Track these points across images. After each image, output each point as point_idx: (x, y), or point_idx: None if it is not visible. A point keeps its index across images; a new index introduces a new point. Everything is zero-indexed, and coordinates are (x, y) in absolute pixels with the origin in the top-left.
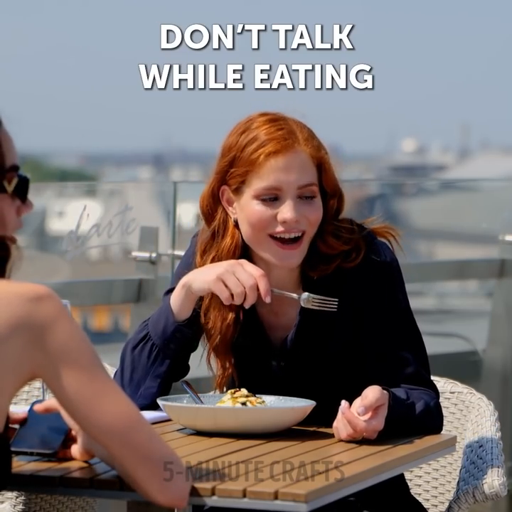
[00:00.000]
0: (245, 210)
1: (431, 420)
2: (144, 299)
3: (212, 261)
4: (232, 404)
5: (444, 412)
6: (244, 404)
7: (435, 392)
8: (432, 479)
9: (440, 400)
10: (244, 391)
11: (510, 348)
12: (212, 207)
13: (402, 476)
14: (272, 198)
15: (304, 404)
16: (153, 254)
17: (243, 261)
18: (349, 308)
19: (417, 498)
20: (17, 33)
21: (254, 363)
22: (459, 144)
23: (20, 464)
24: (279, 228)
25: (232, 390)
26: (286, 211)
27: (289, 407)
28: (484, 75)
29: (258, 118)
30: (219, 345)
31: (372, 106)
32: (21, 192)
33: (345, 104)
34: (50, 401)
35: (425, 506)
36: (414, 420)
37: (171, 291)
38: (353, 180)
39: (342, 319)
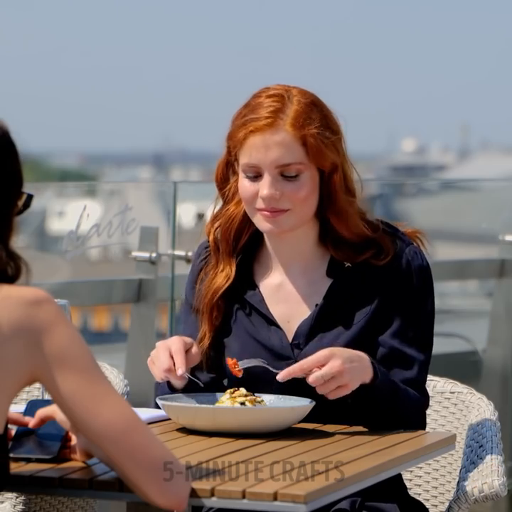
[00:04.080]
0: (239, 182)
1: (412, 409)
2: (144, 299)
3: (217, 229)
4: (231, 404)
5: (444, 412)
6: (243, 403)
7: (425, 399)
8: (431, 479)
9: (440, 400)
10: (243, 390)
11: (510, 348)
12: (224, 174)
13: (399, 474)
14: (254, 174)
15: (303, 404)
16: (153, 254)
17: (159, 345)
18: (372, 304)
19: (417, 498)
20: (17, 33)
21: (259, 343)
22: (459, 144)
23: (20, 465)
24: (261, 204)
25: (231, 390)
26: (263, 188)
27: (289, 406)
28: (484, 75)
29: (262, 92)
30: (207, 301)
31: (372, 106)
32: (25, 207)
33: (346, 104)
34: (44, 411)
35: (425, 506)
36: (397, 399)
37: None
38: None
39: (367, 309)
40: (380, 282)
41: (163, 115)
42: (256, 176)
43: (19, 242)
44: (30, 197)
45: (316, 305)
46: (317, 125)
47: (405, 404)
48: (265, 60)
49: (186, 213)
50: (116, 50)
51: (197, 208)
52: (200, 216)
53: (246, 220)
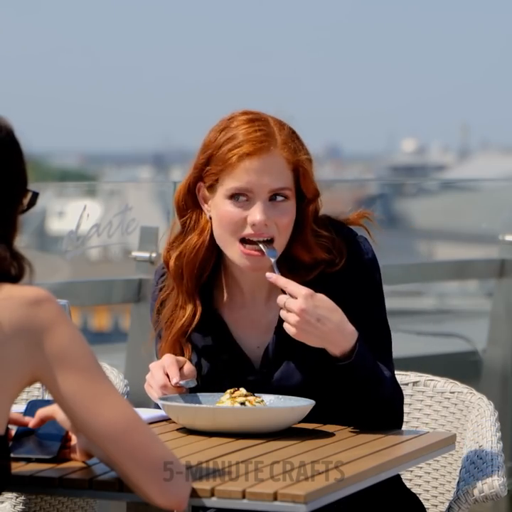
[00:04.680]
0: (217, 209)
1: (392, 401)
2: (144, 299)
3: (177, 258)
4: (231, 404)
5: (444, 412)
6: (243, 403)
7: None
8: (432, 479)
9: (440, 400)
10: (242, 391)
11: (510, 348)
12: (187, 202)
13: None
14: (243, 199)
15: (303, 404)
16: (153, 254)
17: (152, 366)
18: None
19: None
20: (17, 33)
21: (229, 374)
22: (459, 144)
23: (20, 465)
24: (248, 231)
25: (231, 390)
26: (255, 214)
27: (289, 406)
28: (484, 75)
29: (239, 116)
30: (177, 333)
31: (372, 106)
32: (30, 205)
33: (346, 104)
34: (44, 411)
35: (425, 506)
36: (376, 385)
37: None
38: (353, 180)
39: None
40: (335, 289)
41: (163, 115)
42: (244, 201)
43: (19, 242)
44: (35, 195)
45: (275, 330)
46: (305, 151)
47: (386, 393)
48: (265, 60)
49: None
50: (116, 50)
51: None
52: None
53: (211, 251)
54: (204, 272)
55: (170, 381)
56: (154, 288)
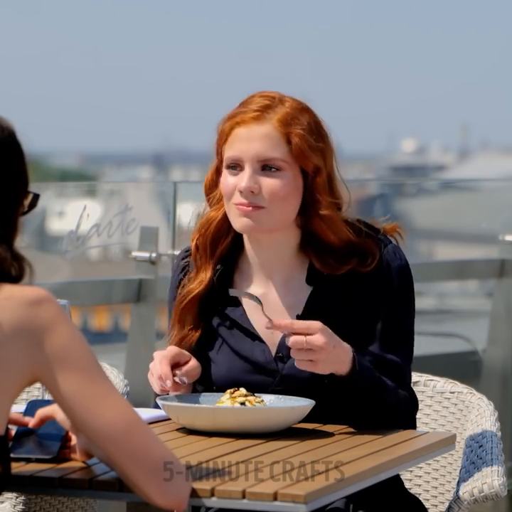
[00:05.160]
0: (221, 181)
1: (400, 407)
2: (144, 299)
3: (196, 232)
4: (231, 404)
5: (444, 412)
6: (243, 403)
7: (412, 398)
8: (431, 479)
9: (440, 400)
10: (242, 391)
11: (510, 348)
12: (211, 182)
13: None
14: (236, 167)
15: (303, 404)
16: (153, 254)
17: (155, 355)
18: (359, 309)
19: (417, 498)
20: (17, 33)
21: (241, 356)
22: (459, 144)
23: (20, 465)
24: (238, 198)
25: (231, 390)
26: (241, 180)
27: (289, 406)
28: (484, 75)
29: (258, 93)
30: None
31: (372, 106)
32: (31, 207)
33: (346, 104)
34: (44, 411)
35: (425, 506)
36: (381, 395)
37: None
38: (353, 180)
39: (349, 319)
40: (362, 289)
41: (163, 115)
42: (237, 169)
43: (19, 242)
44: (36, 196)
45: (297, 315)
46: (304, 127)
47: (391, 400)
48: (265, 60)
49: (186, 213)
50: (117, 50)
51: (197, 208)
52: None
53: (224, 225)
54: (218, 246)
55: (173, 374)
56: (174, 271)
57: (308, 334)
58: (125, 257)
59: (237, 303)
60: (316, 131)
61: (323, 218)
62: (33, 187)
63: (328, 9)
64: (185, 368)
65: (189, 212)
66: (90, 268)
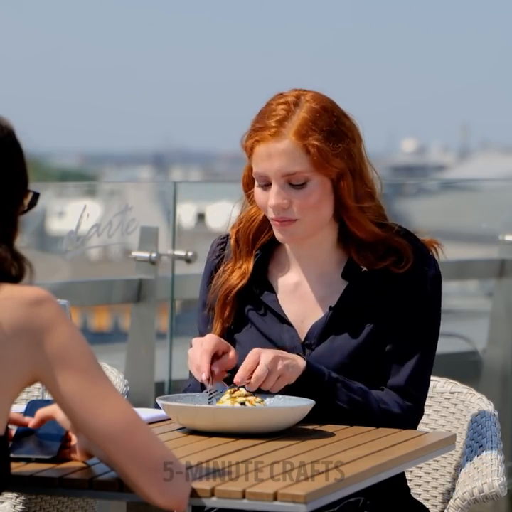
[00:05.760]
0: (254, 189)
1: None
2: (144, 299)
3: (238, 225)
4: (231, 404)
5: (444, 412)
6: (243, 403)
7: (417, 409)
8: (431, 479)
9: (440, 400)
10: (243, 391)
11: (510, 348)
12: (250, 177)
13: (403, 476)
14: (264, 183)
15: (303, 404)
16: (153, 254)
17: (194, 341)
18: (385, 310)
19: (417, 499)
20: (17, 33)
21: (271, 341)
22: (459, 144)
23: (20, 465)
24: (271, 213)
25: (231, 390)
26: (271, 198)
27: (289, 406)
28: (484, 75)
29: (277, 98)
30: (225, 294)
31: (372, 106)
32: (31, 206)
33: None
34: (44, 411)
35: (425, 506)
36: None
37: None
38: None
39: (380, 316)
40: (395, 289)
41: (163, 115)
42: (266, 185)
43: (19, 242)
44: (36, 195)
45: (330, 307)
46: (321, 134)
47: (361, 406)
48: (265, 60)
49: (186, 213)
50: (117, 51)
51: (197, 208)
52: (201, 216)
53: (265, 224)
54: (259, 241)
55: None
56: (210, 255)
57: (256, 365)
58: (125, 257)
59: (271, 288)
60: (336, 132)
61: (350, 218)
62: (33, 187)
63: (328, 9)
64: (221, 361)
65: (189, 212)
66: (90, 268)
